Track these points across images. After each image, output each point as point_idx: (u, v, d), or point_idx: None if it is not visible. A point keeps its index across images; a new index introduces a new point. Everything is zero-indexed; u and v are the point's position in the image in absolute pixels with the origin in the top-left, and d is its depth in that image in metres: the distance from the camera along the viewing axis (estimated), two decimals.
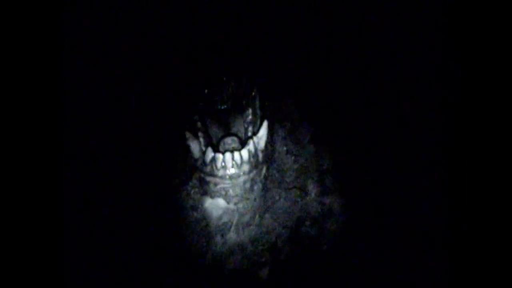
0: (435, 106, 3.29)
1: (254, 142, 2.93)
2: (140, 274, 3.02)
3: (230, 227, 2.94)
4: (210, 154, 2.85)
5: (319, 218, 3.23)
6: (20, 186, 2.43)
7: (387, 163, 3.50)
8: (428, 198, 3.36)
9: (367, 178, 3.45)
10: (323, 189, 3.32)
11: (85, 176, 3.11)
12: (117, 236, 3.03)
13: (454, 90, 2.95)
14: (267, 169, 3.07)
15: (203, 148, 2.91)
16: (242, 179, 2.88)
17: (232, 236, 3.02)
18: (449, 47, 3.00)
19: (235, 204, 2.91)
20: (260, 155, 2.98)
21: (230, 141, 3.02)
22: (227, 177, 2.85)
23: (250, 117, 3.09)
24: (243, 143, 3.00)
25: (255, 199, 2.95)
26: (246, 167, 2.89)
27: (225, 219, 2.92)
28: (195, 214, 2.97)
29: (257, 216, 3.07)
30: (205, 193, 2.91)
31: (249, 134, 3.03)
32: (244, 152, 2.88)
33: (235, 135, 3.12)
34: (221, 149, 2.99)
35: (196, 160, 2.96)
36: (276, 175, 3.22)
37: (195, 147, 2.96)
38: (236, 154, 2.85)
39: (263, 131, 2.99)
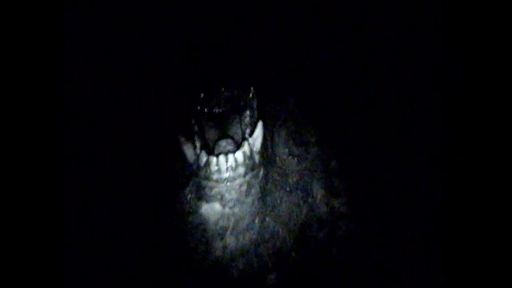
0: (439, 103, 3.22)
1: (249, 144, 2.86)
2: (140, 281, 2.98)
3: (226, 231, 2.88)
4: (204, 157, 2.79)
5: (328, 221, 3.15)
6: (18, 188, 2.42)
7: (397, 163, 3.44)
8: (437, 198, 3.29)
9: (376, 179, 3.40)
10: (331, 191, 3.24)
11: (82, 182, 3.09)
12: (114, 242, 3.00)
13: (456, 89, 2.90)
14: (267, 171, 3.00)
15: (198, 152, 2.85)
16: (237, 182, 2.82)
17: (231, 241, 2.95)
18: (450, 46, 2.94)
19: (231, 208, 2.84)
20: (257, 157, 2.91)
21: (225, 144, 2.95)
22: (222, 180, 2.78)
23: (247, 118, 3.02)
24: (238, 146, 2.93)
25: (252, 202, 2.88)
26: (241, 170, 2.82)
27: (221, 223, 2.86)
28: (192, 219, 2.91)
29: (257, 220, 3.00)
30: (201, 197, 2.85)
31: (245, 136, 2.97)
32: (239, 155, 2.82)
33: (231, 137, 3.05)
34: (216, 152, 2.93)
35: (191, 164, 2.91)
36: (278, 178, 3.15)
37: (189, 151, 2.91)
38: (231, 156, 2.79)
39: (258, 132, 2.92)
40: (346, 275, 3.15)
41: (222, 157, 2.78)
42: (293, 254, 3.09)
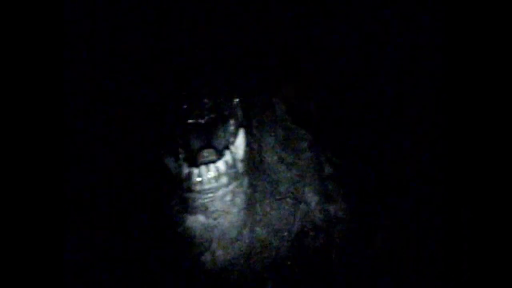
0: (435, 106, 3.20)
1: (231, 153, 2.81)
2: None
3: (212, 244, 2.83)
4: (186, 169, 2.75)
5: (324, 227, 3.11)
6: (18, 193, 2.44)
7: (392, 165, 3.41)
8: (435, 200, 3.26)
9: (371, 182, 3.36)
10: (326, 197, 3.20)
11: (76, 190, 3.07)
12: (99, 258, 2.97)
13: (454, 92, 2.88)
14: (255, 180, 2.95)
15: (180, 164, 2.82)
16: (221, 192, 2.76)
17: (220, 253, 2.90)
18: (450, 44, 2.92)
19: (215, 219, 2.78)
20: (240, 165, 2.85)
21: (207, 154, 2.90)
22: (205, 191, 2.73)
23: (231, 127, 2.98)
24: (221, 155, 2.89)
25: (239, 212, 2.83)
26: (224, 180, 2.76)
27: (207, 236, 2.81)
28: (177, 232, 2.88)
29: (246, 231, 2.95)
30: (185, 210, 2.81)
31: (228, 145, 2.93)
32: (221, 164, 2.76)
33: (214, 147, 3.01)
34: (198, 163, 2.89)
35: (174, 176, 2.88)
36: (267, 186, 3.10)
37: (172, 163, 2.87)
38: (212, 166, 2.74)
39: (240, 140, 2.87)
40: (345, 283, 3.11)
41: (203, 168, 2.73)
42: (289, 264, 3.04)
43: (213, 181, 2.65)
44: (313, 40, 3.78)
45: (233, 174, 2.69)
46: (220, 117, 3.03)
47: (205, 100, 2.95)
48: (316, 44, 3.77)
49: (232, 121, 2.99)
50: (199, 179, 2.62)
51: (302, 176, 3.15)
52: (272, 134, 3.20)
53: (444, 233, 3.11)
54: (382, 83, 3.60)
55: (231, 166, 2.69)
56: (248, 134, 2.91)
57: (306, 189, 3.16)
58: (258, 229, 2.98)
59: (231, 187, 2.70)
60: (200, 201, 2.68)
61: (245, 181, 2.78)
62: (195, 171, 2.63)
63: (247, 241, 2.91)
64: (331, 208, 3.16)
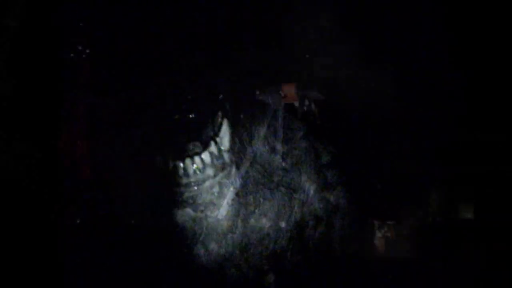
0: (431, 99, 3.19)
1: (216, 143, 2.79)
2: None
3: (201, 236, 2.81)
4: (171, 163, 2.74)
5: (324, 216, 3.08)
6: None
7: (391, 151, 3.39)
8: (431, 181, 3.23)
9: (370, 168, 3.34)
10: (325, 185, 3.17)
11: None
12: (91, 260, 2.98)
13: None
14: (246, 170, 2.94)
15: (167, 159, 2.81)
16: (208, 184, 2.73)
17: (213, 246, 2.88)
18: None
19: (202, 211, 2.76)
20: (226, 155, 2.82)
21: (192, 147, 2.88)
22: (191, 184, 2.72)
23: (219, 119, 2.96)
24: (206, 147, 2.87)
25: (228, 204, 2.81)
26: (210, 171, 2.73)
27: (196, 229, 2.79)
28: (168, 228, 2.87)
29: (238, 222, 2.93)
30: (174, 204, 2.80)
31: (213, 136, 2.91)
32: (205, 155, 2.73)
33: (199, 139, 2.99)
34: (184, 156, 2.87)
35: (161, 172, 2.87)
36: (259, 176, 3.07)
37: (158, 159, 2.87)
38: (197, 158, 2.72)
39: (224, 130, 2.83)
40: (349, 271, 3.07)
41: (188, 160, 2.71)
42: (290, 254, 3.01)
43: (198, 173, 2.62)
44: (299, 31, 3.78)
45: (219, 165, 2.66)
46: (206, 111, 3.02)
47: (189, 97, 2.94)
48: (301, 35, 3.76)
49: (219, 113, 2.97)
50: (183, 171, 2.60)
51: (298, 165, 3.11)
52: (263, 124, 3.17)
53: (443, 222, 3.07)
54: (379, 67, 3.58)
55: (217, 157, 2.65)
56: (237, 125, 2.89)
57: (303, 178, 3.12)
58: (252, 220, 2.95)
59: (218, 178, 2.66)
60: (187, 194, 2.65)
61: (233, 171, 2.76)
62: (180, 164, 2.61)
63: (241, 233, 2.88)
64: (331, 196, 3.12)
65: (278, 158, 3.07)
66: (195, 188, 2.53)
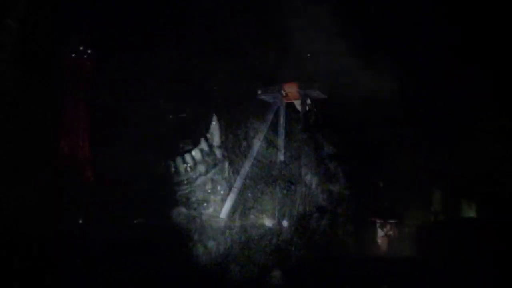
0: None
1: (207, 140, 2.62)
2: None
3: (196, 234, 2.64)
4: (163, 163, 2.58)
5: (329, 208, 2.95)
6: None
7: (393, 150, 3.24)
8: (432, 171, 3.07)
9: (373, 159, 3.18)
10: (328, 177, 3.03)
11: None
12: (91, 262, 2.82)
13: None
14: (237, 165, 2.76)
15: (159, 159, 2.65)
16: (200, 181, 2.58)
17: (211, 244, 2.71)
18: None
19: (195, 209, 2.60)
20: (218, 151, 2.67)
21: (182, 145, 2.71)
22: (183, 182, 2.55)
23: (210, 117, 2.79)
24: (196, 144, 2.70)
25: (223, 200, 2.64)
26: (202, 168, 2.58)
27: (191, 227, 2.62)
28: (165, 227, 2.70)
29: (236, 218, 2.76)
30: (168, 203, 2.63)
31: (204, 133, 2.73)
32: (196, 152, 2.58)
33: (190, 137, 2.82)
34: (175, 155, 2.70)
35: (154, 172, 2.71)
36: (257, 171, 2.91)
37: (152, 159, 2.71)
38: (187, 156, 2.56)
39: (213, 126, 2.68)
40: (356, 264, 2.89)
41: (178, 159, 2.55)
42: (296, 249, 2.84)
43: (189, 170, 2.45)
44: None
45: (211, 161, 2.49)
46: (198, 111, 2.87)
47: (182, 96, 2.79)
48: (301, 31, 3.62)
49: (210, 111, 2.82)
50: (174, 170, 2.43)
51: (298, 158, 2.96)
52: (264, 121, 3.01)
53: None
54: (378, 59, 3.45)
55: (208, 153, 2.49)
56: (230, 122, 2.73)
57: (304, 171, 2.97)
58: (252, 216, 2.79)
59: (210, 174, 2.50)
60: (180, 192, 2.49)
61: (226, 167, 2.59)
62: (172, 163, 2.44)
63: (239, 229, 2.72)
64: (334, 188, 2.98)
65: (276, 151, 2.89)
66: (187, 186, 2.35)
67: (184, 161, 3.04)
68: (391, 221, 32.92)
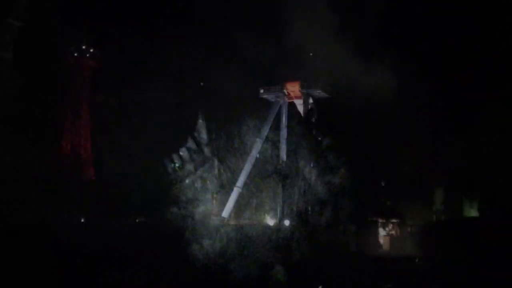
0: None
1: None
2: None
3: (190, 235, 2.67)
4: (154, 164, 2.61)
5: (331, 200, 3.00)
6: None
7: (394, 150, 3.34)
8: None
9: (373, 149, 3.27)
10: (327, 168, 3.07)
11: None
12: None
13: None
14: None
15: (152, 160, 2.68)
16: (189, 180, 2.61)
17: (207, 244, 2.73)
18: None
19: (185, 209, 2.63)
20: (206, 149, 2.70)
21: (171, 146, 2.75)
22: (172, 182, 2.59)
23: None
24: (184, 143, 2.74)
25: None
26: (190, 167, 2.61)
27: (185, 227, 2.65)
28: (161, 229, 2.74)
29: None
30: (164, 204, 2.67)
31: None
32: (183, 151, 2.61)
33: (178, 138, 2.85)
34: (164, 156, 2.74)
35: (150, 173, 2.76)
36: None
37: (147, 160, 2.76)
38: (175, 156, 2.59)
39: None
40: (358, 263, 2.93)
41: (166, 159, 2.59)
42: (297, 244, 2.88)
43: (178, 170, 2.49)
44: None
45: (199, 159, 2.52)
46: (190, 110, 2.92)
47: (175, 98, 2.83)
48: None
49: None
50: (165, 171, 2.47)
51: (294, 151, 3.00)
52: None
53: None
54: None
55: (195, 151, 2.52)
56: (220, 119, 2.76)
57: (301, 163, 3.02)
58: (247, 213, 2.82)
59: (199, 172, 2.53)
60: (172, 192, 2.54)
61: (216, 164, 2.62)
62: (162, 164, 2.48)
63: (234, 227, 2.74)
64: (335, 179, 3.04)
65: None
66: (176, 185, 2.40)
67: (172, 161, 3.05)
68: (393, 221, 32.93)
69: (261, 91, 30.98)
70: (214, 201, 27.18)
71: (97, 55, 48.23)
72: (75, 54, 48.13)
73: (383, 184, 29.85)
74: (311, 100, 30.02)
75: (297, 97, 31.42)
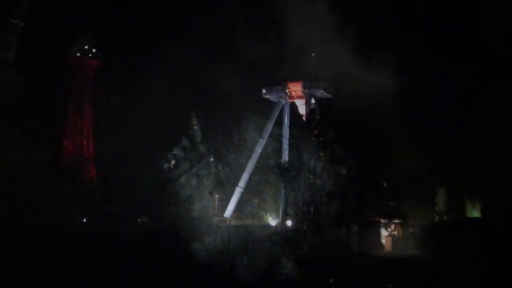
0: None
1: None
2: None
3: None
4: (151, 164, 2.61)
5: (339, 191, 2.99)
6: None
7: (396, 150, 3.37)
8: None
9: (376, 149, 3.27)
10: (334, 159, 3.07)
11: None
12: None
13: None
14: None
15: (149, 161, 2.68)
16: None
17: (208, 241, 2.72)
18: None
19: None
20: (200, 147, 2.71)
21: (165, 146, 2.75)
22: (169, 181, 2.60)
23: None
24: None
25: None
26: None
27: (184, 225, 2.65)
28: (162, 228, 2.74)
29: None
30: (162, 203, 2.67)
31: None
32: (177, 150, 2.62)
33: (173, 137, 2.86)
34: (160, 156, 2.75)
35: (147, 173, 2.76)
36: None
37: (144, 161, 2.76)
38: (169, 155, 2.60)
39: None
40: (361, 263, 2.93)
41: (161, 159, 2.59)
42: (304, 239, 2.87)
43: (174, 169, 2.49)
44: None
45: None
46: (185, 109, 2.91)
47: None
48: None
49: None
50: (160, 170, 2.48)
51: (297, 145, 3.00)
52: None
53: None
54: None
55: (190, 149, 2.52)
56: (220, 117, 2.75)
57: (306, 156, 3.02)
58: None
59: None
60: (169, 191, 2.54)
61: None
62: (158, 164, 2.48)
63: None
64: (342, 171, 3.05)
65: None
66: (176, 183, 2.40)
67: (168, 160, 3.05)
68: (396, 221, 32.77)
69: (264, 91, 30.95)
70: (215, 201, 27.09)
71: (99, 55, 48.12)
72: (78, 54, 48.05)
73: (385, 184, 29.85)
74: (313, 100, 29.98)
75: (299, 97, 31.37)
